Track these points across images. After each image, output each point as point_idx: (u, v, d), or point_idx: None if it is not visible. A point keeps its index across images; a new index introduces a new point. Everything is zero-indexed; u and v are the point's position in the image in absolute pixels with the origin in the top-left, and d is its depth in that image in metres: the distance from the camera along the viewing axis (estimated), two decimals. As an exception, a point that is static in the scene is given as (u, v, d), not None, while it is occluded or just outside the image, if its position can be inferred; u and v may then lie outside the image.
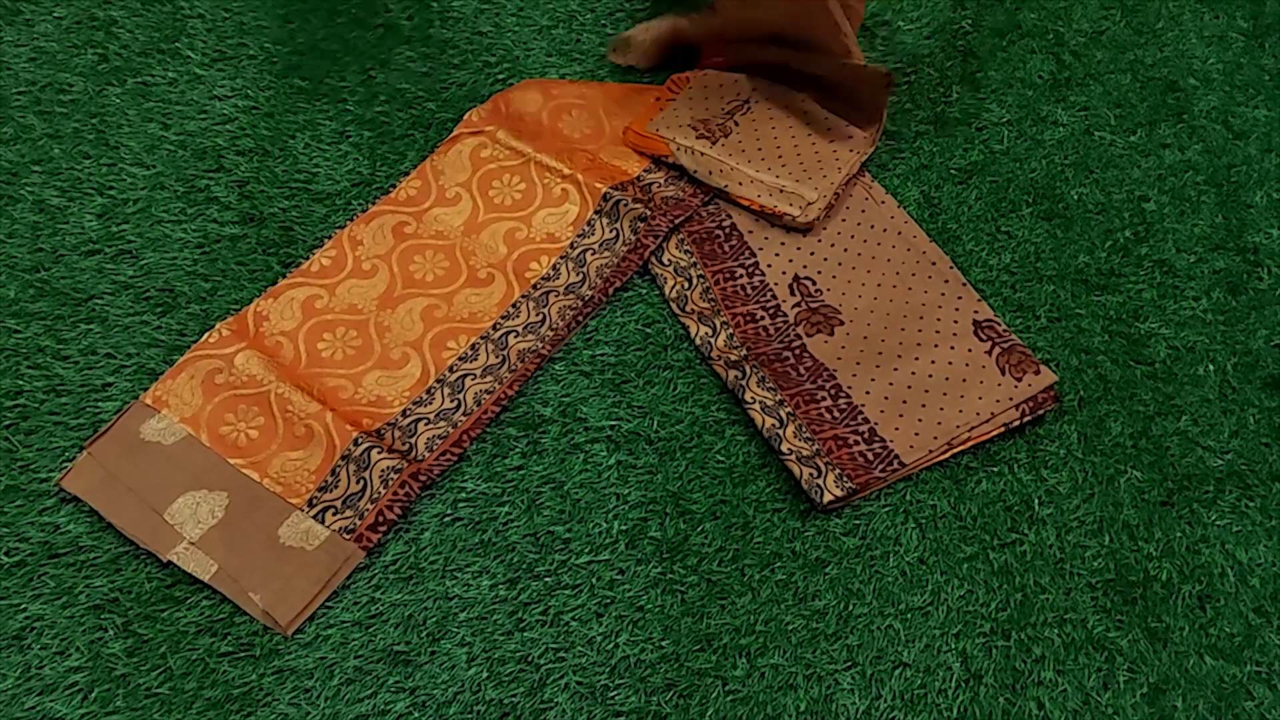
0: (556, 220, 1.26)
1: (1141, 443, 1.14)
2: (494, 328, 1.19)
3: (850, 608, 1.04)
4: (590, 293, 1.21)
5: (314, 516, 1.05)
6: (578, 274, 1.23)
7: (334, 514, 1.05)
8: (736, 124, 1.33)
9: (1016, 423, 1.12)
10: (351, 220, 1.25)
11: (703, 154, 1.29)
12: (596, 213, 1.26)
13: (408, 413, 1.13)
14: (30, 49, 1.38)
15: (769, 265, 1.24)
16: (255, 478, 1.07)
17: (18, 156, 1.29)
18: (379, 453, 1.08)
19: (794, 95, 1.35)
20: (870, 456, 1.10)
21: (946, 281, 1.21)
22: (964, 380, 1.14)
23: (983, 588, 1.05)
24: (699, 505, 1.09)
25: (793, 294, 1.21)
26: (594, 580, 1.05)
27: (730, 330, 1.19)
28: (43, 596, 1.01)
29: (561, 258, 1.24)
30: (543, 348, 1.17)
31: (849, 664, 1.01)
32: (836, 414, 1.13)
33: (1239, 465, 1.13)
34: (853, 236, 1.25)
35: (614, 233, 1.25)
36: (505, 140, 1.31)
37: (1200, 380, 1.19)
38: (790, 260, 1.24)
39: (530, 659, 1.00)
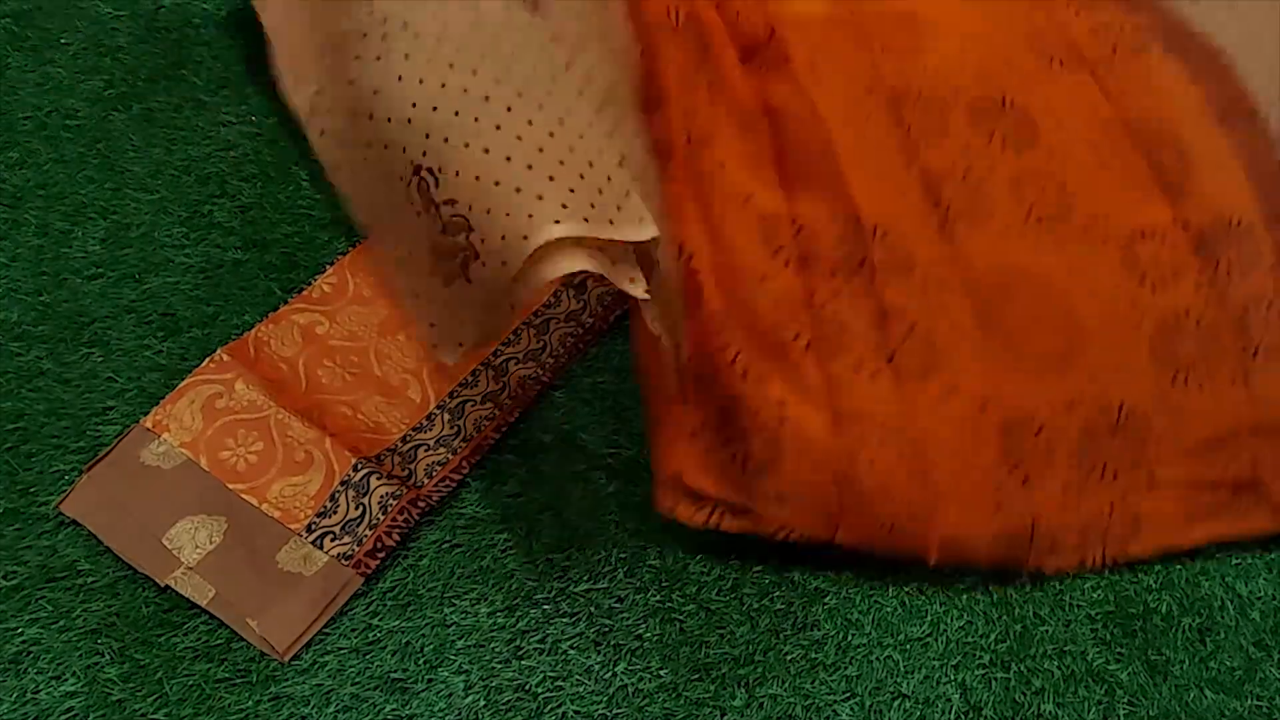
0: (558, 248, 1.27)
1: (1140, 474, 1.14)
2: (494, 354, 1.19)
3: (849, 638, 1.03)
4: (591, 320, 1.22)
5: (312, 542, 1.05)
6: (578, 301, 1.23)
7: (332, 540, 1.05)
8: None
9: (1016, 453, 1.12)
10: (354, 247, 1.26)
11: None
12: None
13: (407, 439, 1.13)
14: (38, 74, 1.39)
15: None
16: (254, 503, 1.07)
17: (22, 181, 1.30)
18: (378, 479, 1.08)
19: None
20: (869, 486, 1.09)
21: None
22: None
23: (982, 619, 1.05)
24: (697, 533, 1.09)
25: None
26: (592, 608, 1.04)
27: (730, 359, 1.19)
28: (39, 620, 1.01)
29: (563, 285, 1.24)
30: (543, 375, 1.17)
31: (848, 694, 1.00)
32: (836, 443, 1.12)
33: (1238, 497, 1.13)
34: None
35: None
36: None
37: (1199, 412, 1.19)
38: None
39: (528, 688, 1.00)
